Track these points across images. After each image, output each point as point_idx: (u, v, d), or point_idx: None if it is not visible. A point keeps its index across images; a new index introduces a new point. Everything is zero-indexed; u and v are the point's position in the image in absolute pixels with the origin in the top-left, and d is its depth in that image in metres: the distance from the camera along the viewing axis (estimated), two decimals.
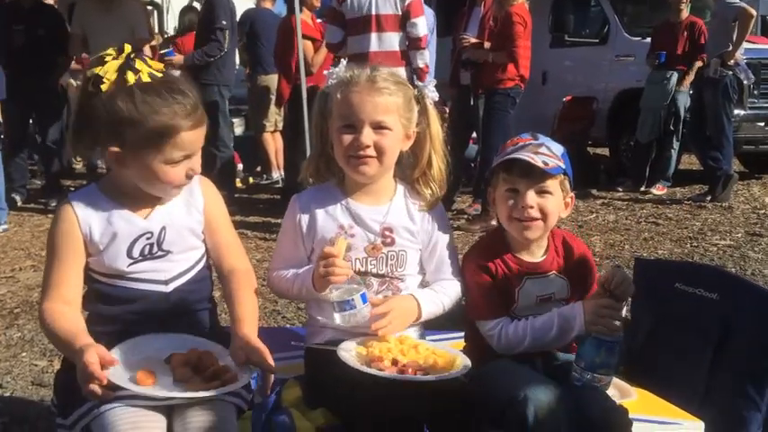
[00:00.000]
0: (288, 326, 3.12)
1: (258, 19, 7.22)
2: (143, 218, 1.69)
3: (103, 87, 1.57)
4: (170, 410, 1.52)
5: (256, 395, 1.66)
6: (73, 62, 7.35)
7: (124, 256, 1.67)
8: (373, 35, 4.53)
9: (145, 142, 1.58)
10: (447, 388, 1.60)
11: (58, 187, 6.54)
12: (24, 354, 2.93)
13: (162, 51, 6.52)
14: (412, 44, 4.71)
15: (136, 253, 1.68)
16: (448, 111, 5.96)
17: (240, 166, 7.56)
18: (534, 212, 1.82)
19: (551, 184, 1.83)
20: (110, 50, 1.63)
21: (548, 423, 1.60)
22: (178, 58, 6.08)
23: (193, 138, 1.63)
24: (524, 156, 1.80)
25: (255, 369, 1.62)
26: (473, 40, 5.71)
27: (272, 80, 6.81)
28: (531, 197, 1.82)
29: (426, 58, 4.79)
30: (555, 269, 1.91)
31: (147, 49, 5.93)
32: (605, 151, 8.46)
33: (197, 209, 1.76)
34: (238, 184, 7.01)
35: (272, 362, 1.62)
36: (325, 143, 1.88)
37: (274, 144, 7.33)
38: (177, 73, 4.75)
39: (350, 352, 1.67)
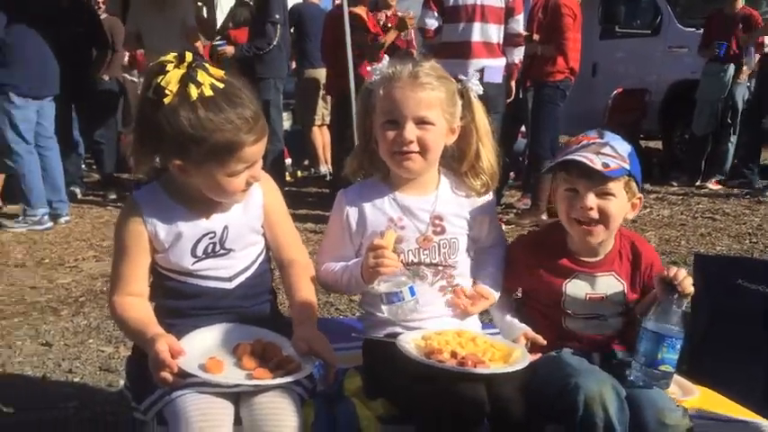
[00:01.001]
0: (341, 317, 3.17)
1: (305, 13, 7.30)
2: (206, 218, 1.73)
3: (166, 100, 1.56)
4: (236, 398, 1.57)
5: (319, 384, 1.70)
6: (126, 57, 7.59)
7: (189, 255, 1.72)
8: (476, 25, 4.57)
9: (208, 157, 1.59)
10: (505, 380, 1.62)
11: (114, 180, 6.75)
12: (91, 340, 3.06)
13: (215, 42, 6.68)
14: (510, 40, 4.74)
15: (200, 252, 1.72)
16: None
17: (288, 160, 7.67)
18: (593, 214, 1.80)
19: (613, 187, 1.80)
20: (170, 57, 1.63)
21: (598, 414, 1.60)
22: (229, 49, 6.24)
23: (256, 150, 1.65)
24: (583, 157, 1.78)
25: (317, 359, 1.66)
26: (523, 34, 5.66)
27: (320, 74, 6.88)
28: (591, 199, 1.80)
29: (521, 56, 4.81)
30: (614, 270, 1.89)
31: (199, 47, 6.06)
32: (658, 144, 8.28)
33: (256, 204, 1.80)
34: (287, 177, 7.12)
35: (333, 352, 1.68)
36: (369, 139, 1.91)
37: (322, 138, 7.41)
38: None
39: (409, 344, 1.70)
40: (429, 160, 1.84)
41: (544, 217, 5.45)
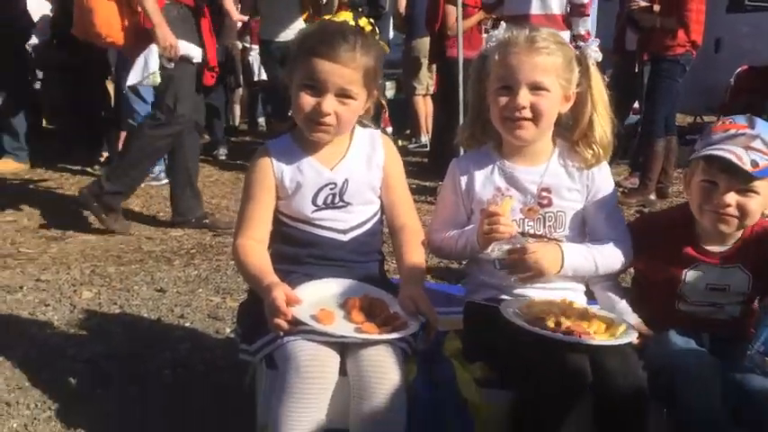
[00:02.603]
0: (440, 283, 3.19)
1: None
2: (329, 169, 1.81)
3: None
4: (343, 348, 1.63)
5: (419, 343, 1.73)
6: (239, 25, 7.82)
7: (309, 203, 1.80)
8: None
9: (297, 61, 1.77)
10: (610, 353, 1.59)
11: (221, 141, 7.02)
12: (201, 290, 3.23)
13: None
14: (574, 10, 4.56)
15: (320, 201, 1.80)
16: (608, 79, 5.69)
17: (389, 129, 7.71)
18: (732, 210, 1.71)
19: (759, 185, 1.69)
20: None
21: (697, 396, 1.56)
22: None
23: (329, 70, 1.72)
24: (731, 153, 1.67)
25: (422, 318, 1.69)
26: (642, 3, 5.38)
27: (426, 44, 6.84)
28: (731, 197, 1.71)
29: (588, 26, 4.66)
30: (740, 262, 1.80)
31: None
32: None
33: (378, 165, 1.86)
34: None
35: (435, 313, 1.71)
36: (482, 107, 1.88)
37: (425, 108, 7.39)
38: None
39: (513, 309, 1.69)
40: (542, 128, 1.80)
41: (652, 197, 5.22)
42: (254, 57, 8.46)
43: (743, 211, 1.71)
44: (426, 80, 7.22)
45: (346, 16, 1.84)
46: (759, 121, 1.74)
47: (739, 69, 7.12)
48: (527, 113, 1.76)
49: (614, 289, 1.90)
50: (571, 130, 1.86)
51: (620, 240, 1.85)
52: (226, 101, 7.63)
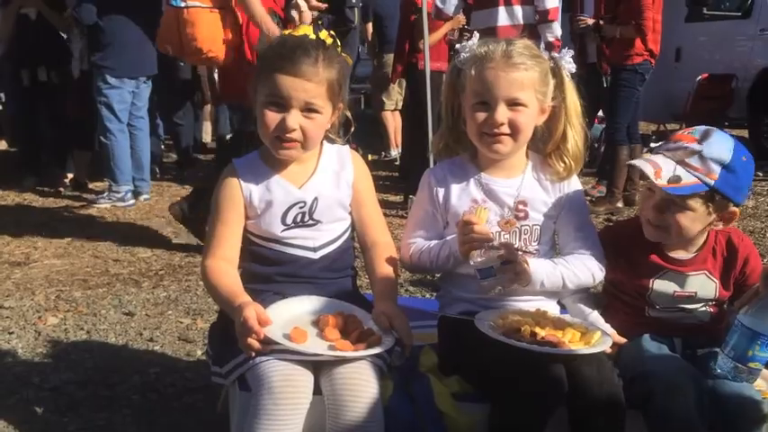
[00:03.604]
0: (411, 297, 3.18)
1: None
2: (298, 187, 1.79)
3: None
4: (316, 367, 1.60)
5: (394, 359, 1.71)
6: None
7: (279, 222, 1.77)
8: (501, 9, 4.43)
9: (260, 76, 1.76)
10: (585, 362, 1.58)
11: (191, 160, 6.96)
12: (170, 312, 3.17)
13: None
14: (541, 17, 4.57)
15: (289, 220, 1.78)
16: None
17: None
18: (661, 223, 1.75)
19: (686, 201, 1.71)
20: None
21: (673, 402, 1.56)
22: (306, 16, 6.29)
23: (291, 85, 1.70)
24: (652, 164, 1.71)
25: (396, 334, 1.67)
26: (589, 21, 5.49)
27: None
28: (657, 209, 1.74)
29: (557, 32, 4.63)
30: (706, 269, 1.82)
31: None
32: (744, 133, 7.88)
33: (347, 182, 1.84)
34: None
35: (410, 329, 1.70)
36: (457, 118, 1.88)
37: (394, 122, 7.42)
38: None
39: (487, 322, 1.68)
40: (519, 142, 1.80)
41: (620, 205, 5.30)
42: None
43: (675, 226, 1.75)
44: (396, 95, 7.24)
45: (306, 30, 1.83)
46: (714, 137, 1.73)
47: (699, 77, 7.30)
48: (505, 129, 1.75)
49: (585, 300, 1.90)
50: (544, 142, 1.86)
51: (592, 254, 1.84)
52: (195, 118, 7.55)
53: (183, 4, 3.54)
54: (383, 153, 7.75)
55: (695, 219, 1.74)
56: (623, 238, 1.92)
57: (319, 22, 5.35)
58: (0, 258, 4.04)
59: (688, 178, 1.68)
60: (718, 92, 7.29)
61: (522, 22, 4.50)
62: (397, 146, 7.40)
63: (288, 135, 1.71)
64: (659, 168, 1.70)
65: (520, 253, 1.74)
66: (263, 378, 1.54)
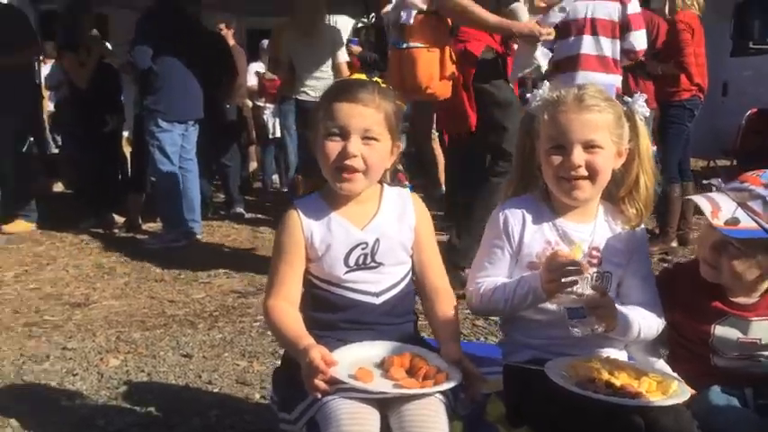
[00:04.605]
0: (469, 341, 3.15)
1: None
2: (360, 228, 1.80)
3: None
4: (384, 407, 1.60)
5: (459, 407, 1.70)
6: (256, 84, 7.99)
7: (341, 264, 1.78)
8: (586, 37, 4.43)
9: (320, 111, 1.79)
10: (664, 413, 1.54)
11: (239, 199, 7.09)
12: (227, 354, 3.20)
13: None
14: (628, 57, 4.57)
15: (351, 262, 1.79)
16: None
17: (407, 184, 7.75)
18: (713, 261, 1.73)
19: (745, 245, 1.67)
20: None
21: None
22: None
23: (349, 113, 1.74)
24: (710, 203, 1.68)
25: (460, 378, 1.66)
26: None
27: None
28: (713, 248, 1.72)
29: (642, 42, 4.57)
30: None
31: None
32: None
33: (409, 225, 1.85)
34: None
35: (480, 373, 1.69)
36: (529, 164, 1.89)
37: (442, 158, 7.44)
38: None
39: (558, 372, 1.66)
40: (597, 186, 1.78)
41: (674, 244, 5.20)
42: (268, 115, 8.62)
43: (733, 273, 1.72)
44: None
45: (360, 76, 1.88)
46: None
47: (749, 112, 7.18)
48: (583, 172, 1.74)
49: (650, 349, 1.87)
50: (617, 186, 1.85)
51: (654, 305, 1.82)
52: (241, 159, 7.73)
53: (404, 46, 3.79)
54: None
55: (752, 264, 1.70)
56: (684, 282, 1.89)
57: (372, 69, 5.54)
58: (61, 299, 4.16)
59: (747, 222, 1.65)
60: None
61: (607, 54, 4.46)
62: (441, 183, 7.40)
63: (348, 162, 1.72)
64: (718, 208, 1.68)
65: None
66: (331, 416, 1.54)
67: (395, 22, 3.90)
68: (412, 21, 3.77)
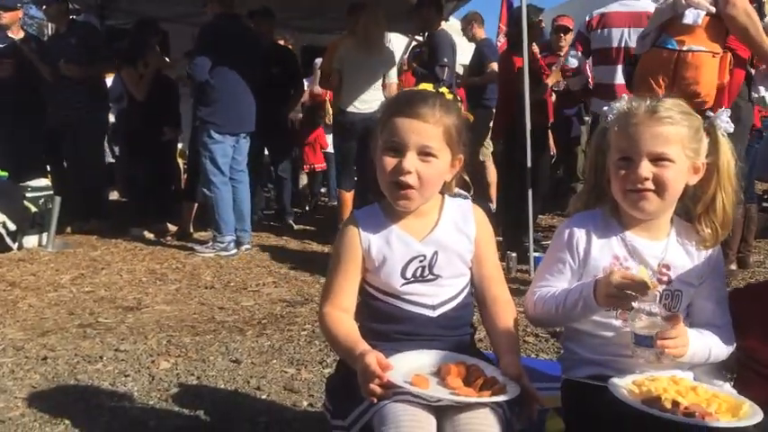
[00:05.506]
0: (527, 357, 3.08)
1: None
2: (418, 240, 1.78)
3: None
4: (439, 413, 1.57)
5: (517, 423, 1.64)
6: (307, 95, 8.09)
7: (398, 276, 1.76)
8: (620, 67, 4.35)
9: (380, 123, 1.80)
10: None
11: (291, 211, 7.16)
12: (275, 361, 3.20)
13: None
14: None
15: (409, 274, 1.76)
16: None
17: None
18: None
19: None
20: None
21: None
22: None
23: (408, 127, 1.72)
24: None
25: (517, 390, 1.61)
26: None
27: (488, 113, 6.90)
28: None
29: None
30: None
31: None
32: None
33: (469, 237, 1.81)
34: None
35: (536, 390, 1.63)
36: (599, 178, 1.83)
37: (495, 173, 7.37)
38: None
39: (623, 389, 1.59)
40: (666, 200, 1.71)
41: (733, 267, 4.99)
42: None
43: None
44: (491, 145, 7.23)
45: (427, 86, 1.85)
46: None
47: None
48: (649, 185, 1.67)
49: (715, 372, 1.78)
50: (694, 203, 1.77)
51: (727, 331, 1.75)
52: (292, 170, 7.81)
53: (685, 48, 3.57)
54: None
55: None
56: (758, 303, 1.81)
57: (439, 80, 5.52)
58: (114, 303, 4.24)
59: None
60: None
61: None
62: (492, 199, 7.32)
63: (403, 178, 1.69)
64: None
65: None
66: (389, 418, 1.51)
67: (670, 19, 3.61)
68: (701, 21, 3.53)
